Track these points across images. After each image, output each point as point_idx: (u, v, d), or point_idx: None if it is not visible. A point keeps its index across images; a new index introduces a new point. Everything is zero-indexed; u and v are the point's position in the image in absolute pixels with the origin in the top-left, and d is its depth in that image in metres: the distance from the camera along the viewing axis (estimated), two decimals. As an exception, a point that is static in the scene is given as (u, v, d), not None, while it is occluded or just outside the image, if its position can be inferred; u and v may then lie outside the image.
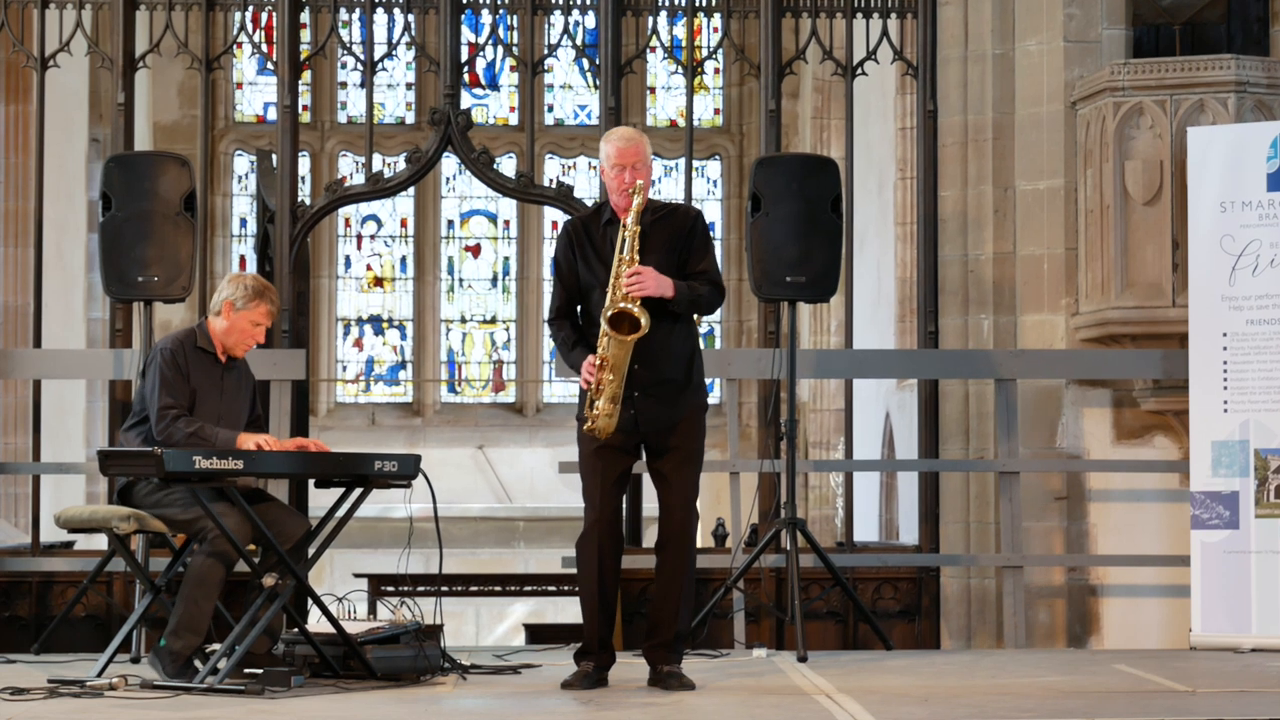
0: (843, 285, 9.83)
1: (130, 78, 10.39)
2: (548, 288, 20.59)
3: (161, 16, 10.38)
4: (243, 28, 10.75)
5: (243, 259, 19.98)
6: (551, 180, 11.92)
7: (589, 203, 10.78)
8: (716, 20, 10.89)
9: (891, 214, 15.37)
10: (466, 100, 16.05)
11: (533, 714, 6.68)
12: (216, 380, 7.56)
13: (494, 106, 20.86)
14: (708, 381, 7.67)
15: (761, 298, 9.45)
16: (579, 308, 7.27)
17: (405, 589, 8.08)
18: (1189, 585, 9.00)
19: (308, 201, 10.51)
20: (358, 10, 10.61)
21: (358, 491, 7.50)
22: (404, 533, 7.58)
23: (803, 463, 11.64)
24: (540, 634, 12.03)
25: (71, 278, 15.65)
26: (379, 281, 20.83)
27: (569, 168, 20.61)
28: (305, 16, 10.66)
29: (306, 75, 12.39)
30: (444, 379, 20.79)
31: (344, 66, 20.38)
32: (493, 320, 20.92)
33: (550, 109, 20.82)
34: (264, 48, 11.98)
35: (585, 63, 18.30)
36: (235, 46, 11.38)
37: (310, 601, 7.48)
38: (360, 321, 20.78)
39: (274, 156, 10.55)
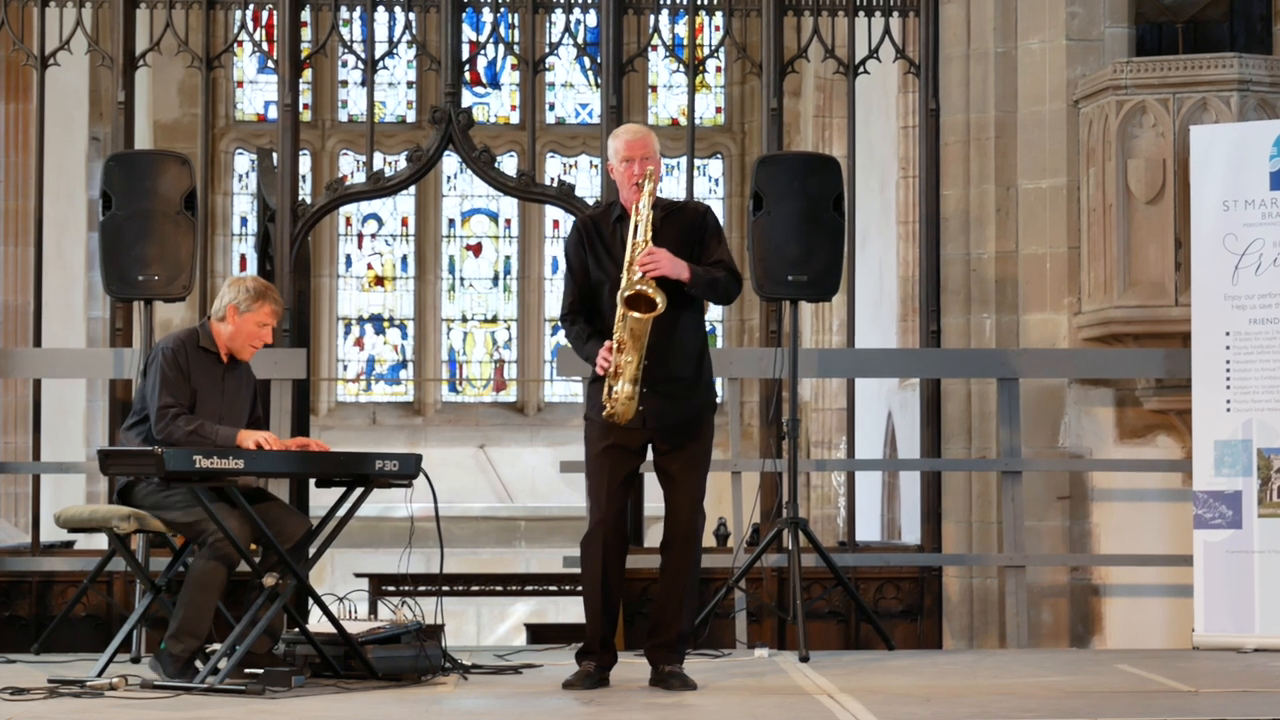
0: (845, 284, 9.82)
1: (130, 76, 10.38)
2: (549, 287, 20.68)
3: (162, 15, 10.36)
4: (243, 26, 10.72)
5: (243, 258, 19.96)
6: (553, 179, 11.90)
7: (590, 201, 10.77)
8: (718, 18, 10.87)
9: (894, 213, 15.36)
10: (467, 99, 15.95)
11: (534, 714, 6.68)
12: (218, 380, 7.55)
13: (495, 105, 20.84)
14: (711, 380, 7.65)
15: (763, 297, 9.44)
16: (590, 306, 7.24)
17: (406, 589, 8.06)
18: (1192, 585, 8.99)
19: (308, 200, 10.50)
20: (358, 8, 10.60)
21: (359, 491, 7.49)
22: (405, 532, 7.56)
23: (805, 462, 11.63)
24: (541, 634, 12.01)
25: (72, 277, 15.63)
26: (380, 280, 20.82)
27: (570, 166, 20.59)
28: (306, 15, 10.64)
29: (307, 74, 12.37)
30: (445, 378, 20.78)
31: (345, 65, 20.35)
32: (494, 319, 20.90)
33: (551, 107, 20.80)
34: (264, 46, 11.95)
35: (587, 61, 18.25)
36: (236, 45, 11.35)
37: (311, 601, 7.47)
38: (361, 320, 20.77)
39: (275, 155, 10.54)
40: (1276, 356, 8.89)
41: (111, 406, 10.39)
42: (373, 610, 11.22)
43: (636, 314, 6.93)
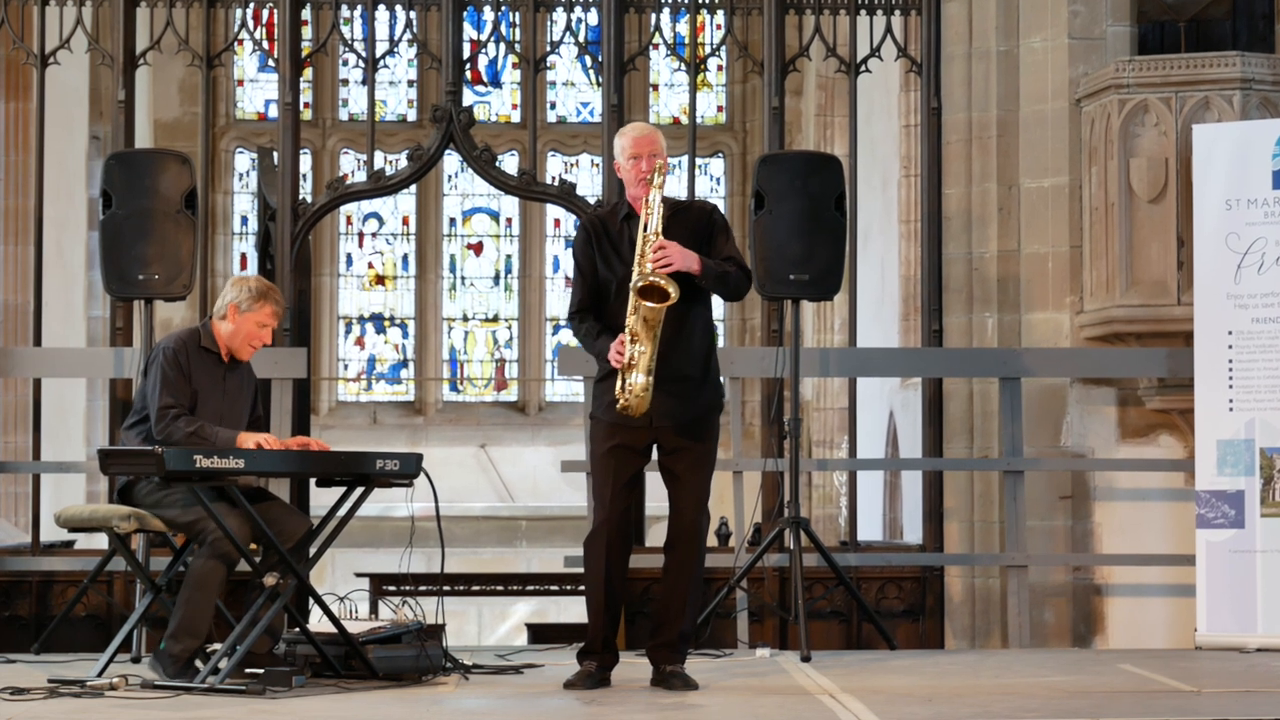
0: (846, 283, 9.82)
1: (131, 75, 10.37)
2: (550, 286, 20.67)
3: (162, 13, 10.35)
4: (244, 24, 10.71)
5: (244, 257, 19.94)
6: (554, 178, 11.89)
7: (592, 200, 10.76)
8: (719, 17, 10.87)
9: (895, 212, 15.34)
10: (468, 97, 15.90)
11: (535, 714, 6.67)
12: (219, 380, 7.53)
13: (496, 104, 20.83)
14: (713, 379, 7.63)
15: (765, 296, 9.43)
16: (598, 305, 7.23)
17: (407, 588, 8.04)
18: (1194, 585, 8.98)
19: (309, 199, 10.48)
20: (359, 7, 10.58)
21: (359, 490, 7.48)
22: (406, 532, 7.55)
23: (806, 462, 11.61)
24: (543, 634, 12.00)
25: (72, 276, 15.61)
26: (380, 279, 20.80)
27: (571, 165, 20.57)
28: (306, 13, 10.63)
29: (308, 72, 12.34)
30: (446, 377, 20.76)
31: (345, 63, 20.34)
32: (495, 318, 20.88)
33: (553, 106, 20.78)
34: (265, 45, 11.94)
35: (588, 60, 18.21)
36: (236, 43, 11.33)
37: (312, 601, 7.45)
38: (362, 320, 20.75)
39: (275, 154, 10.52)
40: (1279, 356, 8.87)
41: (112, 406, 10.37)
42: (373, 610, 11.20)
43: (650, 303, 6.91)
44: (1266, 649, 8.62)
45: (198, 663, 7.18)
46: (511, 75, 20.61)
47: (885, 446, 15.23)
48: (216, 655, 7.16)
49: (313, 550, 7.48)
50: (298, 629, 7.40)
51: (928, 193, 10.39)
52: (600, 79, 10.63)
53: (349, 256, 20.78)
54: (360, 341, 20.74)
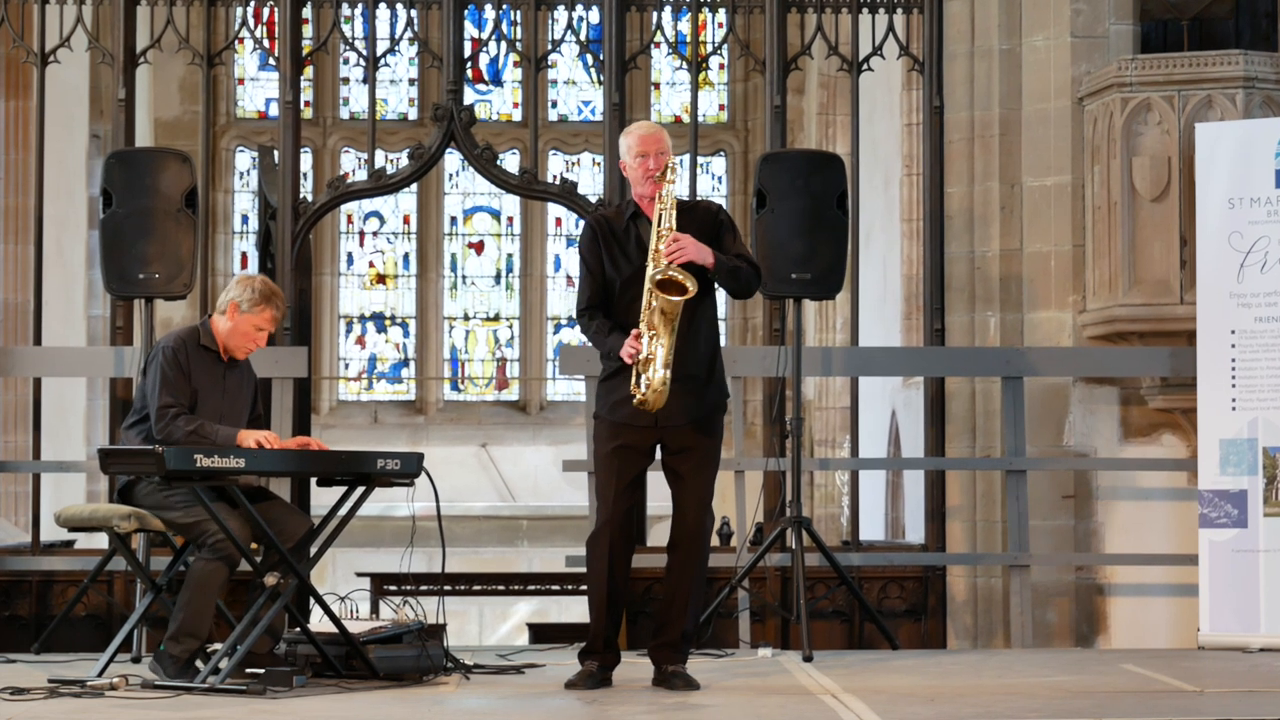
0: (848, 282, 9.81)
1: (131, 73, 10.35)
2: (551, 285, 20.66)
3: (162, 11, 10.34)
4: (244, 23, 10.69)
5: (244, 256, 19.93)
6: (555, 176, 11.89)
7: (593, 199, 10.74)
8: (721, 15, 10.85)
9: (897, 210, 15.33)
10: (469, 96, 15.90)
11: (536, 714, 6.65)
12: (218, 379, 7.51)
13: (497, 102, 20.82)
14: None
15: (766, 295, 9.41)
16: (605, 303, 7.21)
17: (408, 588, 8.03)
18: (1197, 584, 8.96)
19: (310, 198, 10.47)
20: (360, 5, 10.56)
21: (360, 490, 7.46)
22: (406, 531, 7.54)
23: (808, 461, 11.59)
24: (544, 633, 11.99)
25: (72, 275, 15.60)
26: (381, 278, 20.79)
27: (573, 164, 20.56)
28: (307, 11, 10.62)
29: (308, 71, 12.32)
30: (447, 377, 20.75)
31: (346, 62, 20.34)
32: (496, 317, 20.87)
33: (554, 105, 20.77)
34: (266, 43, 11.92)
35: (589, 58, 18.24)
36: (237, 42, 11.31)
37: (312, 601, 7.43)
38: (363, 319, 20.74)
39: (276, 152, 10.51)
40: (1282, 355, 8.87)
41: (112, 405, 10.36)
42: (374, 610, 11.20)
43: (668, 296, 6.90)
44: (1269, 649, 8.60)
45: (198, 663, 7.16)
46: (513, 74, 20.61)
47: (887, 446, 15.22)
48: (217, 655, 7.15)
49: (313, 550, 7.46)
50: (298, 629, 7.39)
51: (930, 191, 10.37)
52: (601, 77, 10.61)
53: (350, 255, 20.77)
54: (361, 341, 20.73)
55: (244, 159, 20.14)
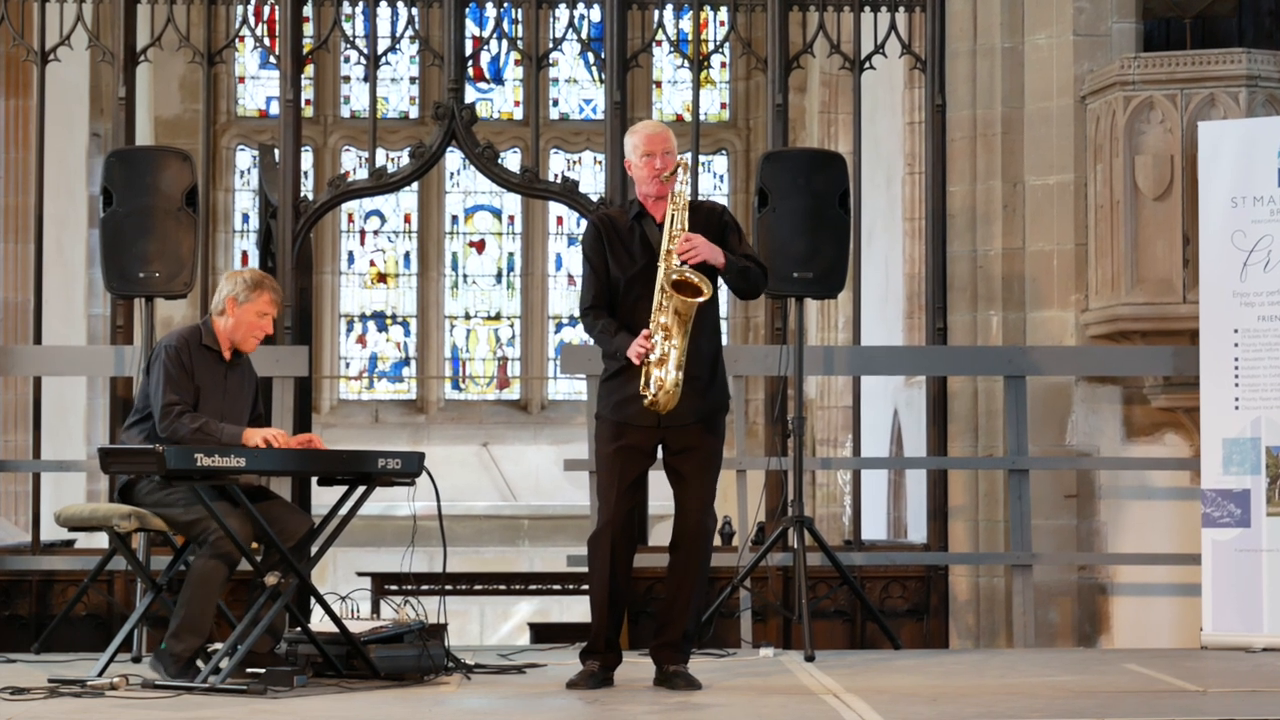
0: (850, 281, 9.79)
1: (131, 72, 10.34)
2: (553, 284, 20.64)
3: (163, 10, 10.33)
4: (245, 21, 10.68)
5: (245, 255, 19.93)
6: (556, 175, 11.87)
7: (594, 198, 10.73)
8: (723, 14, 10.82)
9: (900, 209, 15.32)
10: (471, 94, 15.94)
11: (538, 714, 6.63)
12: (220, 378, 7.51)
13: (498, 101, 20.81)
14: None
15: (769, 294, 9.36)
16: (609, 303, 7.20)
17: (409, 588, 8.02)
18: (1200, 584, 8.94)
19: (310, 197, 10.46)
20: (361, 3, 10.55)
21: (361, 489, 7.45)
22: (407, 531, 7.53)
23: (810, 460, 11.59)
24: (545, 633, 11.97)
25: (72, 274, 15.59)
26: (382, 277, 20.78)
27: (574, 162, 20.54)
28: (308, 10, 10.61)
29: (309, 69, 12.33)
30: (448, 376, 20.74)
31: (347, 60, 20.33)
32: (497, 316, 20.86)
33: (555, 103, 20.76)
34: (266, 41, 11.92)
35: (590, 56, 18.22)
36: (237, 40, 11.30)
37: (313, 600, 7.42)
38: (364, 318, 20.73)
39: (276, 151, 10.49)
40: (1285, 354, 8.86)
41: (112, 404, 10.35)
42: (375, 609, 11.20)
43: (684, 297, 6.89)
44: (1272, 648, 8.59)
45: (199, 662, 7.15)
46: (514, 72, 20.60)
47: (889, 445, 15.20)
48: (218, 655, 7.13)
49: (314, 549, 7.45)
50: (299, 628, 7.37)
51: (932, 190, 10.36)
52: (603, 76, 10.60)
53: (351, 254, 20.76)
54: (362, 340, 20.73)
55: (245, 157, 20.14)
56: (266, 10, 13.64)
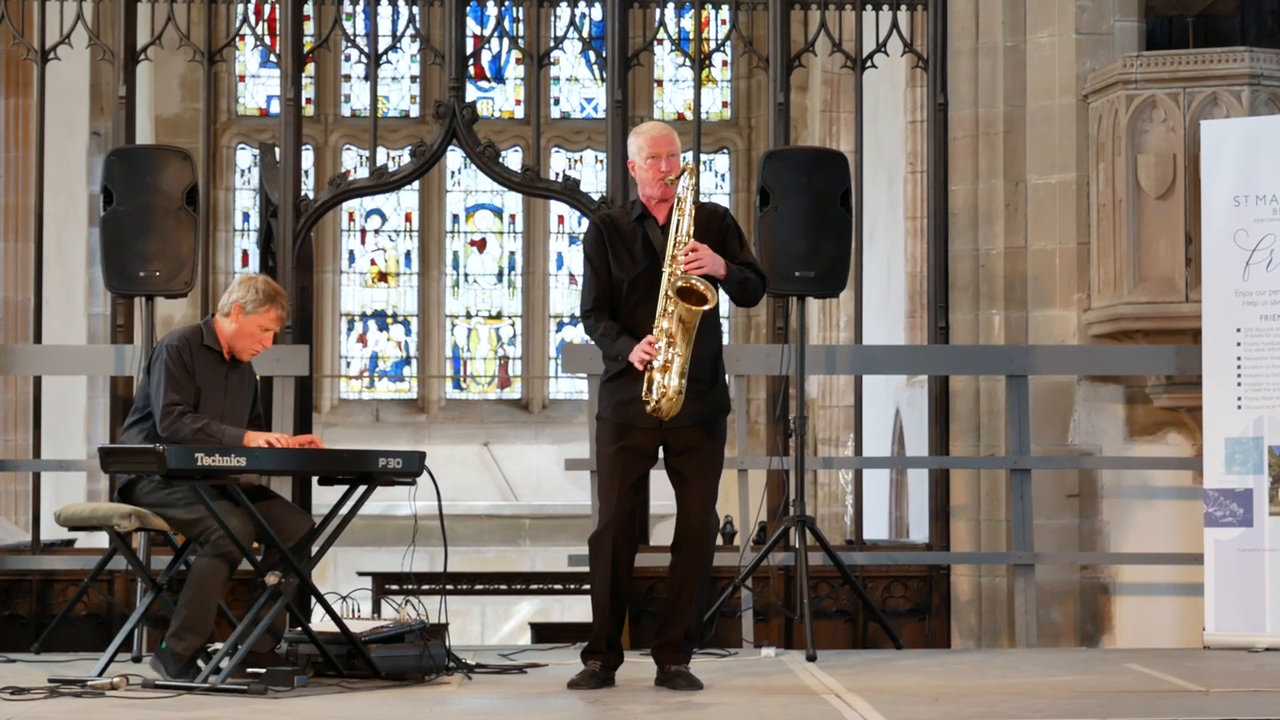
0: (852, 280, 9.78)
1: (132, 70, 10.33)
2: (554, 283, 20.63)
3: (163, 8, 10.32)
4: (245, 20, 10.67)
5: (245, 254, 19.92)
6: (557, 174, 11.85)
7: (595, 197, 10.71)
8: (724, 12, 10.80)
9: (901, 208, 15.31)
10: (472, 93, 15.90)
11: (539, 714, 6.62)
12: (220, 379, 7.50)
13: (499, 99, 20.79)
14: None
15: (770, 293, 9.37)
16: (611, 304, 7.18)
17: (410, 587, 8.01)
18: (1202, 584, 8.93)
19: (311, 195, 10.45)
20: (361, 2, 10.54)
21: (361, 489, 7.44)
22: (408, 531, 7.52)
23: (811, 460, 11.58)
24: (546, 633, 11.96)
25: (72, 273, 15.58)
26: (383, 276, 20.77)
27: (575, 161, 20.53)
28: (308, 8, 10.60)
29: (310, 68, 12.32)
30: (449, 375, 20.73)
31: (348, 59, 20.31)
32: (498, 316, 20.85)
33: (556, 102, 20.75)
34: (267, 40, 11.91)
35: (592, 55, 18.19)
36: (238, 39, 11.29)
37: (314, 600, 7.41)
38: (364, 317, 20.72)
39: (277, 150, 10.48)
40: (1288, 353, 8.85)
41: (112, 404, 10.34)
42: (376, 609, 11.19)
43: (690, 305, 6.88)
44: (1275, 648, 8.58)
45: (200, 662, 7.14)
46: (515, 71, 20.58)
47: (891, 444, 15.19)
48: (218, 655, 7.12)
49: (315, 549, 7.44)
50: (300, 628, 7.36)
51: (934, 189, 10.35)
52: (604, 75, 10.59)
53: (351, 253, 20.75)
54: (363, 339, 20.71)
55: (245, 156, 20.12)
56: (267, 9, 13.65)
